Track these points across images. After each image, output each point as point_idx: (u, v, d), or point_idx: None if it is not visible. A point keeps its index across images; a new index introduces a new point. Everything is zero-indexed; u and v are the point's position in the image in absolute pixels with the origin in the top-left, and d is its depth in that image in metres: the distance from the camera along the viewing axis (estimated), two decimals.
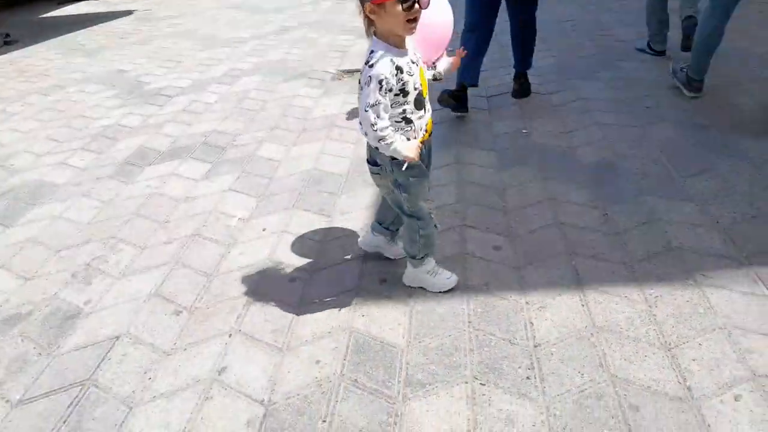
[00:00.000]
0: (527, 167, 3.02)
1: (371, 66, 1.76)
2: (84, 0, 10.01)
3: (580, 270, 2.22)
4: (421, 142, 1.92)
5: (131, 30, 7.41)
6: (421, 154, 1.92)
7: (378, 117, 1.74)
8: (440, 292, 2.16)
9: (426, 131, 1.96)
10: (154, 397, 1.82)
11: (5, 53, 6.69)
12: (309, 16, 7.34)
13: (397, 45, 1.81)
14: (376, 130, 1.75)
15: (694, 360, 1.78)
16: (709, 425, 1.57)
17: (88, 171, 3.44)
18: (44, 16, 9.13)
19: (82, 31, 7.61)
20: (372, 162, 2.02)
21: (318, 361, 1.90)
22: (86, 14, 8.85)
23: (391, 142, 1.78)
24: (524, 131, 3.45)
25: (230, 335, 2.05)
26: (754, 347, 1.80)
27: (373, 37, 1.82)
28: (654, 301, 2.03)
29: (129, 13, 8.63)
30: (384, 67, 1.75)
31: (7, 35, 7.23)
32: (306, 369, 1.87)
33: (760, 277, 2.09)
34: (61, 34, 7.45)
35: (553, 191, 2.77)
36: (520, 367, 1.81)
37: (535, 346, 1.88)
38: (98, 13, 8.85)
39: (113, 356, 2.00)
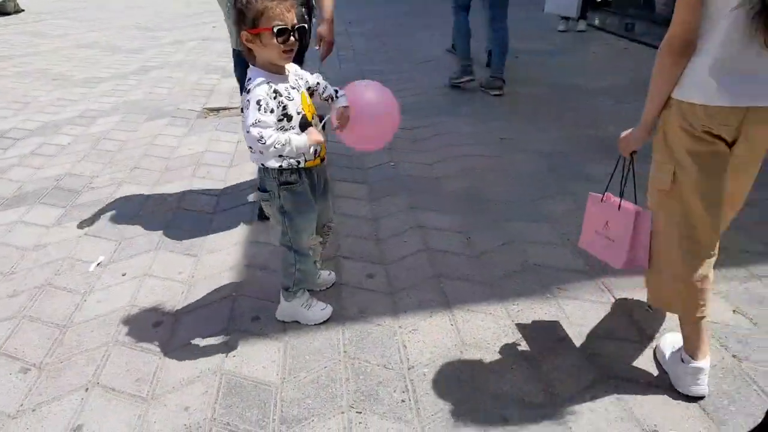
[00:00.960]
0: (397, 198, 3.11)
1: (249, 91, 1.77)
2: None
3: (447, 292, 2.30)
4: (310, 167, 1.95)
5: None
6: (311, 182, 1.96)
7: (262, 130, 1.73)
8: (315, 324, 2.13)
9: (318, 155, 1.96)
10: None
11: None
12: (172, 57, 7.14)
13: (276, 72, 1.83)
14: (264, 143, 1.73)
15: (555, 368, 1.89)
16: (570, 427, 1.67)
17: None
18: None
19: None
20: (262, 189, 2.00)
21: (187, 408, 1.79)
22: None
23: (286, 142, 1.77)
24: (392, 164, 3.56)
25: (87, 389, 1.87)
26: (604, 351, 1.95)
27: (252, 66, 1.83)
28: (516, 314, 2.15)
29: None
30: (261, 90, 1.76)
31: None
32: (174, 417, 1.75)
33: (607, 286, 2.29)
34: None
35: (421, 219, 2.87)
36: (395, 391, 1.82)
37: (409, 369, 1.91)
38: None
39: None
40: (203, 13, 10.99)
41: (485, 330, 2.08)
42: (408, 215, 2.92)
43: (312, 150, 1.89)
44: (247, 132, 1.74)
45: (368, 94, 2.04)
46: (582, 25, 7.44)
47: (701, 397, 1.73)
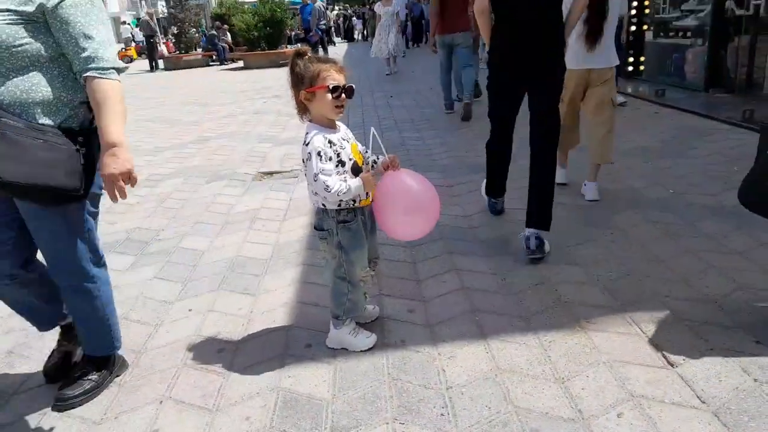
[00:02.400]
0: (434, 244, 3.35)
1: (307, 144, 2.08)
2: None
3: (483, 324, 2.49)
4: (363, 207, 2.24)
5: None
6: (363, 220, 2.25)
7: (327, 178, 2.03)
8: (361, 350, 2.34)
9: (369, 196, 2.23)
10: None
11: None
12: (227, 128, 7.72)
13: (328, 126, 2.15)
14: (330, 191, 2.04)
15: (583, 389, 2.04)
16: None
17: None
18: None
19: None
20: (319, 228, 2.27)
21: (248, 418, 2.00)
22: None
23: (348, 188, 2.07)
24: None
25: (161, 402, 2.12)
26: (630, 374, 2.10)
27: (307, 122, 2.16)
28: (548, 345, 2.32)
29: None
30: (318, 141, 2.07)
31: None
32: (237, 425, 1.97)
33: (633, 320, 2.44)
34: None
35: (458, 263, 3.09)
36: (435, 407, 2.00)
37: (448, 389, 2.09)
38: None
39: (40, 430, 2.01)
40: (254, 90, 11.81)
41: (519, 357, 2.25)
42: (445, 259, 3.15)
43: (365, 192, 2.19)
44: (315, 180, 2.04)
45: (410, 186, 2.19)
46: (620, 97, 7.08)
47: None
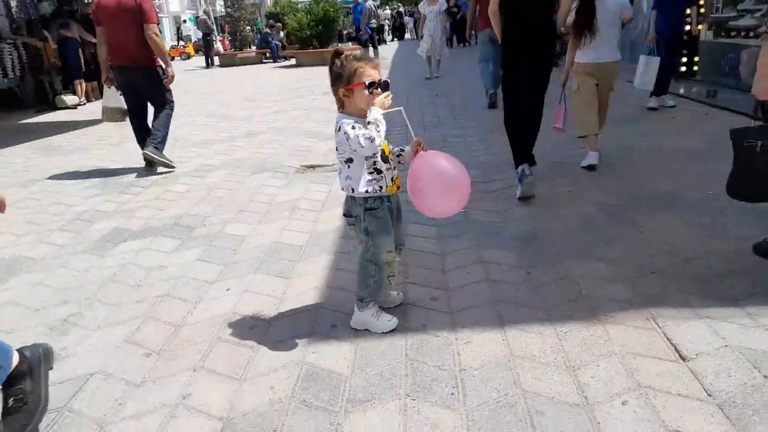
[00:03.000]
0: (463, 238, 3.45)
1: (339, 128, 2.24)
2: (62, 109, 10.58)
3: (503, 314, 2.57)
4: (389, 194, 2.38)
5: (107, 134, 7.91)
6: (390, 207, 2.38)
7: (364, 133, 2.16)
8: (383, 332, 2.47)
9: (394, 184, 2.37)
10: (123, 418, 2.04)
11: None
12: (276, 123, 7.98)
13: (362, 117, 2.28)
14: (367, 140, 2.16)
15: (592, 377, 2.11)
16: (599, 423, 1.88)
17: (65, 248, 3.72)
18: (22, 122, 9.62)
19: (60, 134, 8.08)
20: (348, 214, 2.42)
21: (272, 387, 2.16)
22: (63, 121, 9.37)
23: (373, 119, 2.18)
24: (463, 211, 3.90)
25: (195, 370, 2.30)
26: (641, 366, 2.14)
27: (339, 113, 2.32)
28: (564, 335, 2.38)
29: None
30: (346, 125, 2.22)
31: None
32: (261, 393, 2.13)
33: (652, 315, 2.47)
34: (40, 137, 7.89)
35: (484, 256, 3.18)
36: (446, 386, 2.11)
37: (461, 371, 2.19)
38: (74, 120, 9.37)
39: (87, 389, 2.22)
40: (305, 87, 12.09)
41: (533, 345, 2.32)
42: (472, 252, 3.24)
43: (390, 178, 2.31)
44: (359, 144, 2.17)
45: (441, 165, 2.32)
46: (671, 100, 7.06)
47: None
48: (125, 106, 5.75)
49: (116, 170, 5.73)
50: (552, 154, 5.14)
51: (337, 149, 2.32)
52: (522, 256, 3.16)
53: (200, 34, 22.74)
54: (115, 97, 5.83)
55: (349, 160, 2.30)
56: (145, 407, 2.10)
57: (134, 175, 5.49)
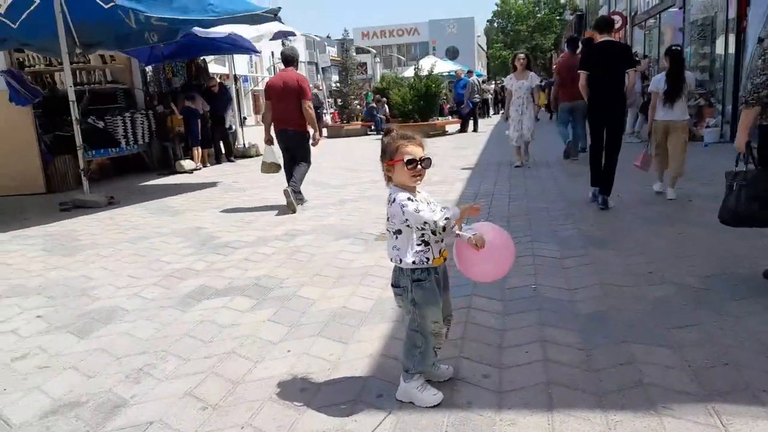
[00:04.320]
0: (528, 314, 3.38)
1: (394, 200, 2.37)
2: (179, 173, 11.63)
3: (554, 396, 2.49)
4: (436, 266, 2.44)
5: (214, 197, 8.58)
6: (437, 278, 2.44)
7: (423, 214, 2.29)
8: (427, 407, 2.46)
9: (441, 255, 2.44)
10: None
11: (106, 211, 7.88)
12: (367, 192, 8.29)
13: (409, 191, 2.40)
14: (436, 219, 2.28)
15: None
16: None
17: (155, 301, 4.06)
18: (144, 183, 10.66)
19: (173, 196, 8.87)
20: (395, 285, 2.51)
21: None
22: (180, 184, 10.28)
23: (448, 216, 2.31)
24: (533, 287, 3.84)
25: (242, 428, 2.41)
26: None
27: (392, 186, 2.44)
28: (614, 424, 2.26)
29: (215, 185, 9.97)
30: (402, 195, 2.35)
31: (112, 197, 8.54)
32: None
33: (717, 411, 2.29)
34: (155, 198, 8.71)
35: (547, 335, 3.09)
36: None
37: None
38: (190, 183, 10.26)
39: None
40: None
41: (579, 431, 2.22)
42: (535, 330, 3.16)
43: (438, 250, 2.38)
44: (420, 223, 2.30)
45: (493, 238, 2.45)
46: None
47: None
48: (280, 162, 7.46)
49: (215, 232, 6.19)
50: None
51: (388, 219, 2.43)
52: (586, 337, 3.05)
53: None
54: (272, 154, 7.46)
55: (398, 231, 2.40)
56: None
57: (229, 236, 5.90)
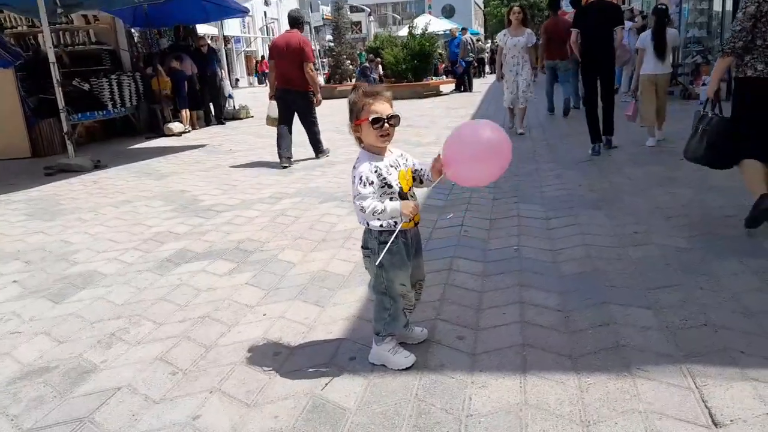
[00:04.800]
0: (508, 276, 3.33)
1: (355, 168, 2.27)
2: (167, 137, 11.45)
3: (528, 359, 2.45)
4: (406, 230, 2.35)
5: (200, 160, 8.46)
6: (405, 243, 2.35)
7: (362, 202, 2.22)
8: (399, 369, 2.42)
9: (412, 220, 2.36)
10: None
11: (92, 174, 7.76)
12: (356, 153, 8.13)
13: (377, 152, 2.30)
14: (365, 211, 2.22)
15: None
16: None
17: (133, 265, 3.99)
18: (132, 147, 10.51)
19: (158, 158, 8.75)
20: (364, 246, 2.44)
21: (276, 416, 2.18)
22: (167, 147, 10.13)
23: (383, 209, 2.21)
24: (515, 248, 3.78)
25: (211, 392, 2.37)
26: (663, 428, 1.95)
27: (360, 148, 2.34)
28: (587, 387, 2.23)
29: (203, 147, 9.83)
30: (363, 167, 2.26)
31: (98, 161, 8.41)
32: (264, 421, 2.15)
33: (691, 372, 2.25)
34: (142, 161, 8.58)
35: (526, 297, 3.05)
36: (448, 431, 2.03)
37: (468, 416, 2.10)
38: (178, 146, 10.10)
39: (111, 402, 2.35)
40: None
41: (550, 395, 2.19)
42: (514, 292, 3.12)
43: (407, 216, 2.29)
44: (355, 203, 2.24)
45: (476, 134, 2.28)
46: None
47: None
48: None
49: (199, 195, 6.10)
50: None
51: (353, 182, 2.33)
52: (565, 299, 3.00)
53: None
54: (275, 109, 7.71)
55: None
56: (157, 424, 2.18)
57: (213, 199, 5.82)
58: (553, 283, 3.20)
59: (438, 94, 17.89)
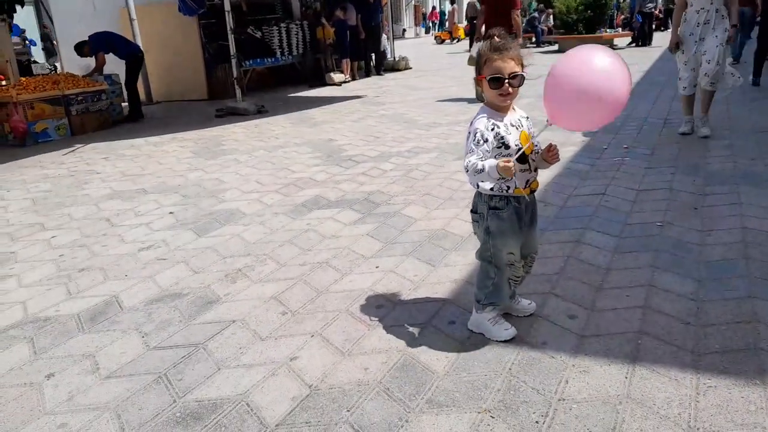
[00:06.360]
0: (642, 255, 3.02)
1: (471, 123, 2.18)
2: (329, 86, 11.90)
3: (642, 349, 2.22)
4: (519, 197, 2.21)
5: (353, 110, 8.69)
6: (518, 209, 2.22)
7: (468, 159, 2.11)
8: (497, 340, 2.34)
9: (529, 187, 2.23)
10: (238, 365, 2.30)
11: (255, 119, 8.34)
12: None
13: (497, 110, 2.18)
14: (467, 168, 2.11)
15: None
16: None
17: (271, 207, 4.26)
18: (295, 94, 11.09)
19: (316, 108, 9.14)
20: (473, 210, 2.35)
21: (366, 368, 2.22)
22: (326, 96, 10.54)
23: (481, 168, 2.05)
24: (659, 224, 3.42)
25: (312, 336, 2.47)
26: None
27: (482, 104, 2.24)
28: (705, 390, 1.97)
29: (359, 97, 10.08)
30: (480, 123, 2.15)
31: (262, 106, 9.01)
32: (354, 372, 2.20)
33: None
34: (300, 110, 9.03)
35: (656, 280, 2.75)
36: (534, 413, 1.92)
37: (559, 400, 1.97)
38: (336, 96, 10.47)
39: (225, 333, 2.55)
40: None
41: (660, 392, 1.97)
42: (645, 273, 2.83)
43: (524, 180, 2.16)
44: (468, 159, 2.12)
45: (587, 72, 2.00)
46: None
47: None
48: None
49: (344, 144, 6.30)
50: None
51: (466, 138, 2.22)
52: (703, 286, 2.66)
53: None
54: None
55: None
56: (258, 359, 2.34)
57: (356, 150, 5.97)
58: (693, 268, 2.85)
59: (611, 47, 16.47)
